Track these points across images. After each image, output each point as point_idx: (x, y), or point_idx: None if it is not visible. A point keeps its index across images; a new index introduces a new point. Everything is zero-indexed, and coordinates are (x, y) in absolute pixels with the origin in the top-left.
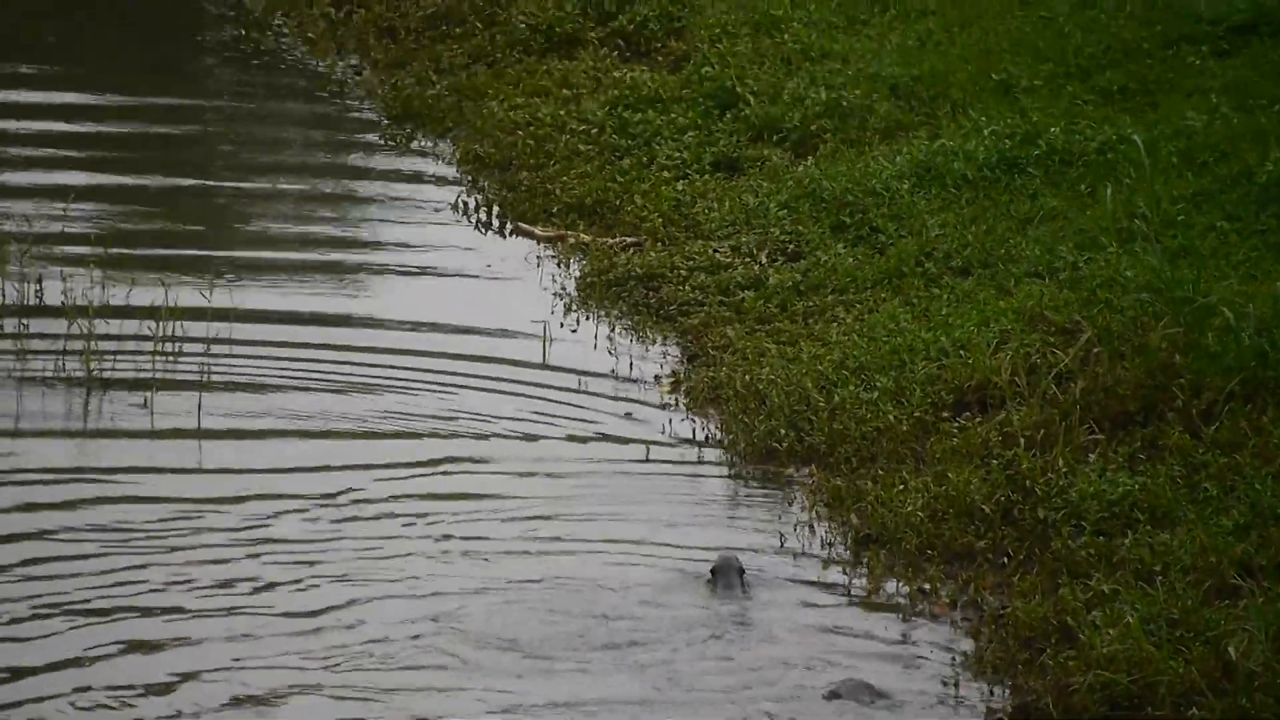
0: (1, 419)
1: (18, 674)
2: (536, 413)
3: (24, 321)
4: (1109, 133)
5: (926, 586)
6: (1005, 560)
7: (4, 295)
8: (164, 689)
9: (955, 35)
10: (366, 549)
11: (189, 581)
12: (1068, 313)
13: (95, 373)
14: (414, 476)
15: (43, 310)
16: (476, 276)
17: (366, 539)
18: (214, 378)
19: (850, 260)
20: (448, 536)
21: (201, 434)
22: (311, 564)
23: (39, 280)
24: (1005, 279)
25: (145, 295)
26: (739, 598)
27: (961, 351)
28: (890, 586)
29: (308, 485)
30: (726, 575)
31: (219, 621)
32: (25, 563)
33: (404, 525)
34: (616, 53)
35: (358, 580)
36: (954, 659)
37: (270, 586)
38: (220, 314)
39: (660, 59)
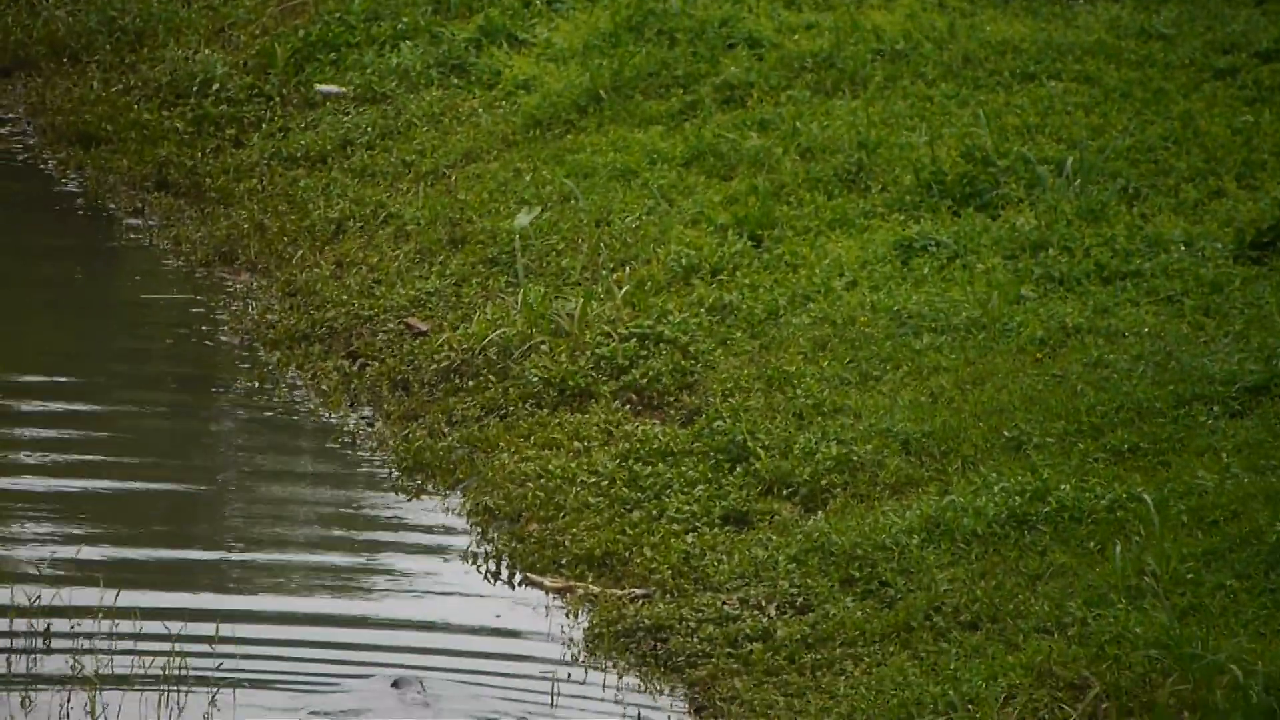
0: None
1: None
2: None
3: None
4: (1119, 490)
5: None
6: None
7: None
8: None
9: (967, 392)
10: None
11: None
12: (1076, 668)
13: None
14: None
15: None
16: (484, 627)
17: None
18: None
19: (859, 614)
20: None
21: None
22: None
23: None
24: (1014, 634)
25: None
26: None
27: (970, 706)
28: None
29: None
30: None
31: None
32: None
33: None
34: (628, 406)
35: None
36: None
37: None
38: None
39: (672, 412)
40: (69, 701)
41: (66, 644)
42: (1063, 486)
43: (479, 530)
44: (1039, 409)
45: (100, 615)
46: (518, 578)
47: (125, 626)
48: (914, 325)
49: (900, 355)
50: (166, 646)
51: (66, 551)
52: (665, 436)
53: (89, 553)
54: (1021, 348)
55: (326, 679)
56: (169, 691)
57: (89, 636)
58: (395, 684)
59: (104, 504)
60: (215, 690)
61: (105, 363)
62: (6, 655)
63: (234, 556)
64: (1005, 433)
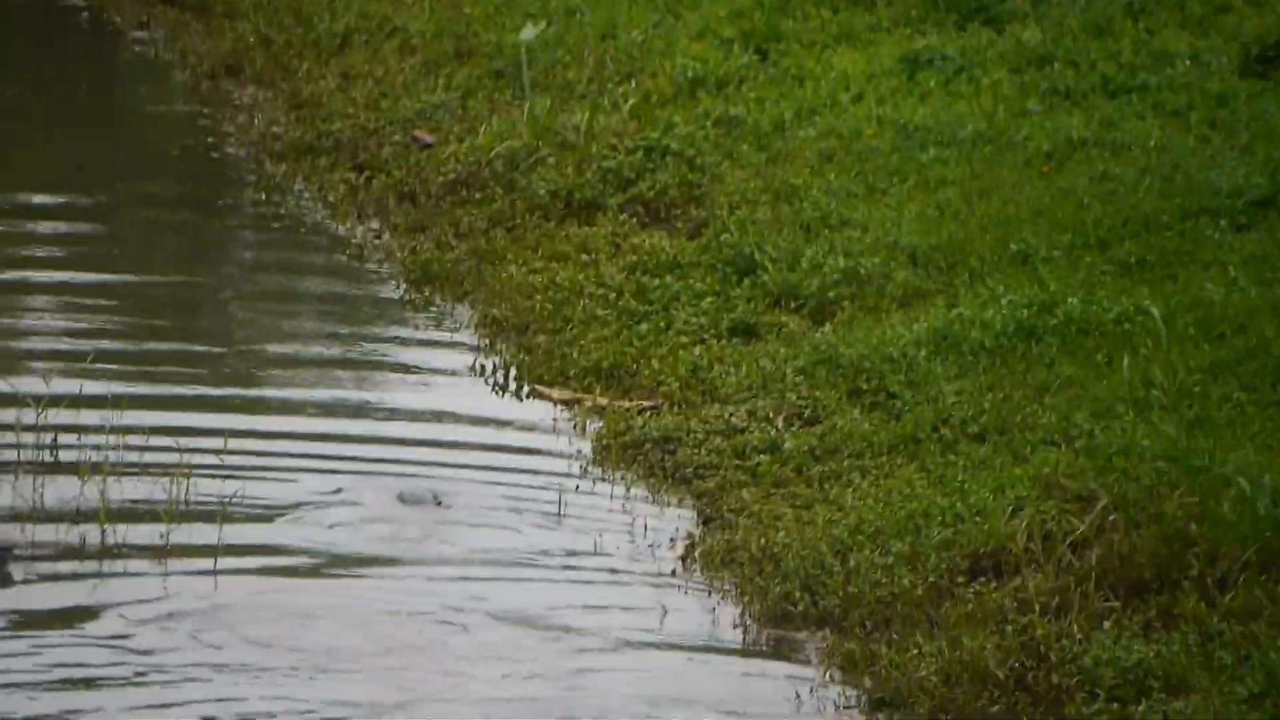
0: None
1: None
2: (550, 570)
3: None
4: (1126, 303)
5: None
6: None
7: (20, 454)
8: None
9: (974, 205)
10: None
11: None
12: (1083, 480)
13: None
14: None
15: (58, 470)
16: (491, 439)
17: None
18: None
19: (866, 426)
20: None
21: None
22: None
23: (55, 440)
24: (1021, 446)
25: (160, 458)
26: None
27: (977, 518)
28: None
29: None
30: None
31: None
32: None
33: (413, 674)
34: (635, 219)
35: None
36: None
37: None
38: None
39: (679, 225)
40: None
41: (74, 440)
42: (1070, 299)
43: (487, 342)
44: (1046, 222)
45: (110, 406)
46: (525, 389)
47: (132, 419)
48: (920, 138)
49: (907, 168)
50: (171, 441)
51: (81, 348)
52: (673, 249)
53: (102, 344)
54: (1028, 161)
55: (334, 492)
56: (176, 479)
57: (99, 430)
58: (401, 497)
59: (112, 307)
60: (222, 482)
61: (112, 175)
62: (16, 449)
63: (240, 359)
64: (1012, 245)
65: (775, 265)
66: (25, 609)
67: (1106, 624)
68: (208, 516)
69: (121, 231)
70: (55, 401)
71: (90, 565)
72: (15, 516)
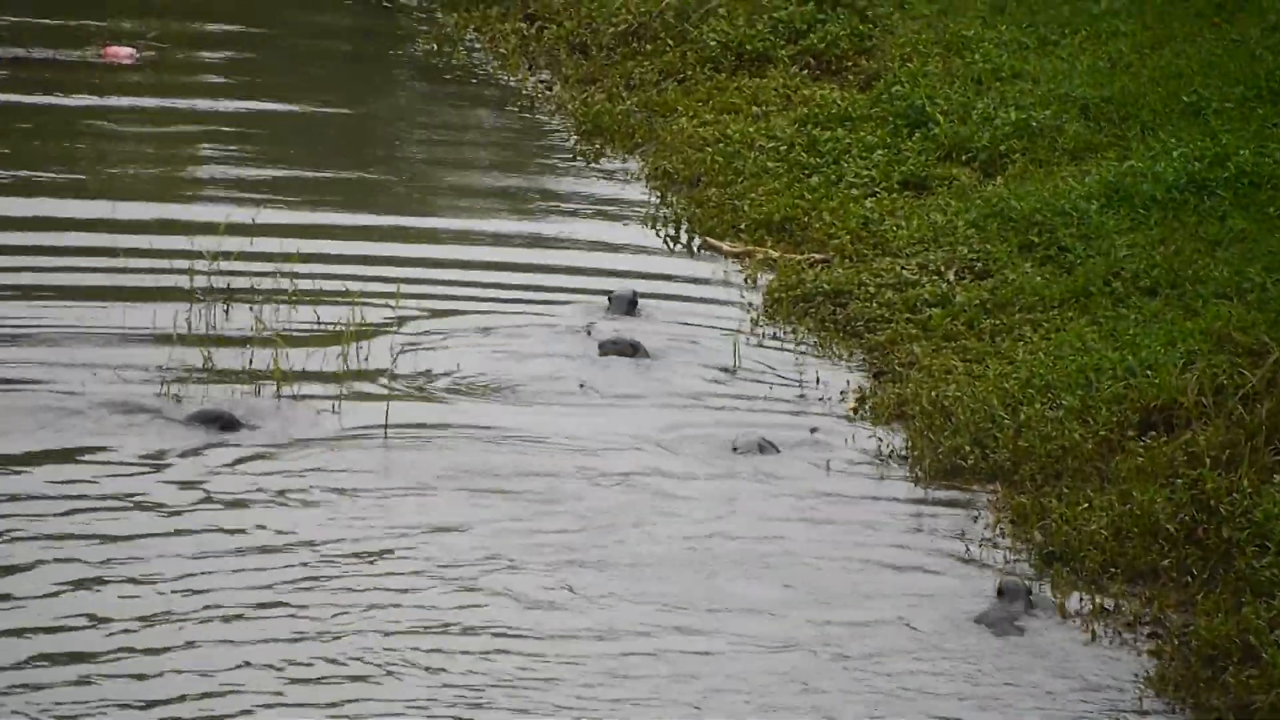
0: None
1: None
2: (722, 424)
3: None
4: None
5: (1109, 604)
6: (1189, 579)
7: (193, 315)
8: None
9: (1146, 57)
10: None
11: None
12: (1255, 334)
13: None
14: (612, 486)
15: (231, 327)
16: (665, 294)
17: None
18: (398, 388)
19: (1038, 279)
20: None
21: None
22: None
23: (228, 297)
24: (1193, 300)
25: (333, 313)
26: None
27: (1148, 371)
28: (1073, 603)
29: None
30: (620, 303)
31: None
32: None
33: (600, 530)
34: (806, 71)
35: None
36: (1136, 676)
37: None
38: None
39: (850, 78)
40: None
41: (249, 268)
42: (1242, 151)
43: (657, 194)
44: (1217, 73)
45: (291, 234)
46: (696, 242)
47: (312, 247)
48: None
49: (1078, 20)
50: (351, 270)
51: (261, 175)
52: (844, 101)
53: (279, 174)
54: (1199, 12)
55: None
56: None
57: (272, 258)
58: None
59: (287, 140)
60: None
61: (284, 22)
62: (192, 275)
63: (414, 193)
64: (1184, 98)
65: (946, 118)
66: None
67: (1277, 477)
68: (380, 351)
69: (292, 76)
70: (234, 229)
71: (267, 394)
72: (201, 341)
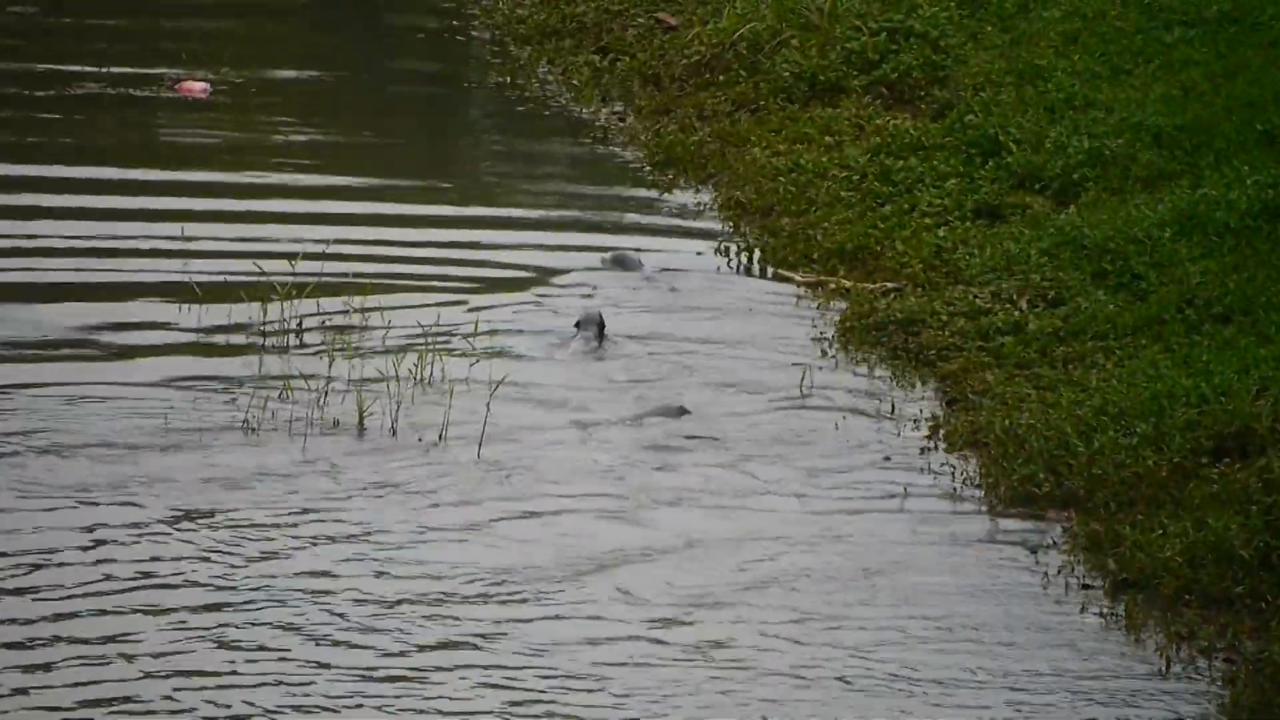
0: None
1: None
2: (796, 445)
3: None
4: None
5: (1184, 631)
6: (1263, 605)
7: (265, 335)
8: None
9: (1219, 86)
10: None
11: None
12: None
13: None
14: (670, 506)
15: (303, 348)
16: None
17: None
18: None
19: (1111, 307)
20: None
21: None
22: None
23: (300, 320)
24: (1266, 326)
25: (404, 334)
26: (593, 344)
27: (1222, 398)
28: (1148, 630)
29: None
30: (588, 326)
31: None
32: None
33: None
34: (879, 101)
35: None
36: (1210, 702)
37: None
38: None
39: (923, 107)
40: None
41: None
42: None
43: (730, 224)
44: None
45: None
46: (770, 271)
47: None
48: (1165, 19)
49: (1151, 49)
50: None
51: (333, 209)
52: (916, 130)
53: (351, 208)
54: (1274, 41)
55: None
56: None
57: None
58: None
59: (360, 170)
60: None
61: (356, 58)
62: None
63: (485, 223)
64: (1258, 126)
65: (1019, 147)
66: None
67: None
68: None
69: (367, 111)
70: (310, 255)
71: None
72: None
